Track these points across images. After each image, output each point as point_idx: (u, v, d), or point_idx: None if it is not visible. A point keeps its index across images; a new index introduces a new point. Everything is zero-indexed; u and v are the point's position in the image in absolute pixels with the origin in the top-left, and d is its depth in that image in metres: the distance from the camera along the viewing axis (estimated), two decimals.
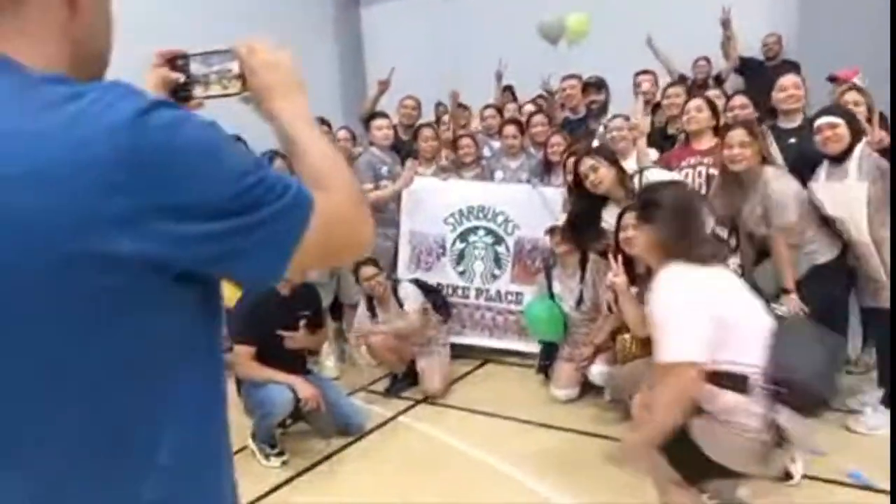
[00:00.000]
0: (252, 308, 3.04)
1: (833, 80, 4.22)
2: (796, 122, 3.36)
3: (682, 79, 6.09)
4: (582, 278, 3.54)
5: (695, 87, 6.14)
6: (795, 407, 1.73)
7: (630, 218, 2.87)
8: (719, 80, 6.13)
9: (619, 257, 2.84)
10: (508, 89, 6.48)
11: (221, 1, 7.58)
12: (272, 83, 0.81)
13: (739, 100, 3.72)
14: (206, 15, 7.35)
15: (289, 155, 0.80)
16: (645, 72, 5.03)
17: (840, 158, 2.89)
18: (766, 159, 2.92)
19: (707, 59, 6.16)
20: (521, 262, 4.23)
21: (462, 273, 4.38)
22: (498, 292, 4.32)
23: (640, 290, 2.90)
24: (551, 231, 3.62)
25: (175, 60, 0.84)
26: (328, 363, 4.20)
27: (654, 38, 5.91)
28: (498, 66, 5.74)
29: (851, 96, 3.31)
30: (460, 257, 4.37)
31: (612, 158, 3.21)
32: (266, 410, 2.89)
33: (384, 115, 4.37)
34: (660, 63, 5.92)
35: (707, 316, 1.73)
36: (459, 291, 4.40)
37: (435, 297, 3.94)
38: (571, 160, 3.61)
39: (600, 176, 3.12)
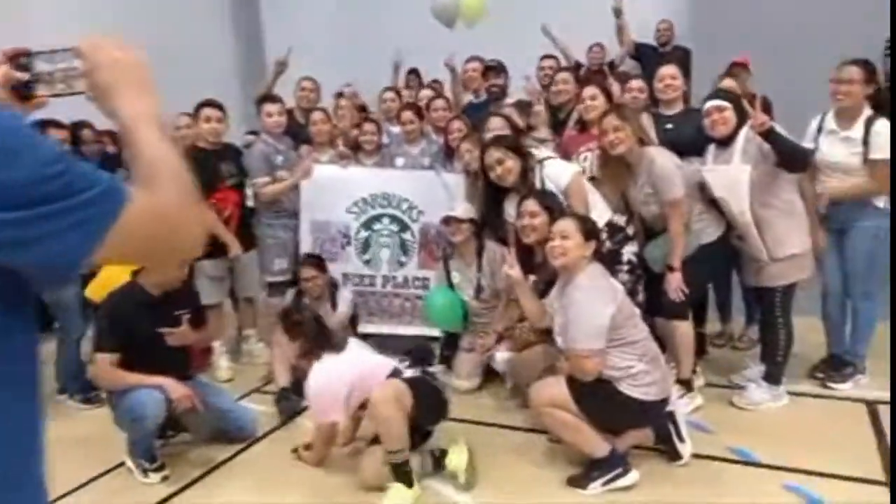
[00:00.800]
0: (116, 313, 2.78)
1: (732, 66, 4.38)
2: (675, 109, 3.45)
3: (577, 65, 6.22)
4: (479, 267, 3.48)
5: (590, 73, 6.30)
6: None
7: (528, 205, 2.84)
8: (613, 67, 6.27)
9: (514, 247, 2.80)
10: (414, 72, 6.35)
11: None
12: (113, 81, 0.82)
13: (637, 83, 3.76)
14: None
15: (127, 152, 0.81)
16: (548, 56, 5.01)
17: (726, 142, 2.98)
18: (643, 140, 2.95)
19: (601, 46, 6.28)
20: (428, 247, 4.13)
21: (368, 262, 4.24)
22: (405, 278, 4.22)
23: (538, 280, 2.87)
24: (446, 220, 3.53)
25: (18, 58, 0.84)
26: (222, 363, 3.95)
27: (550, 24, 5.99)
28: (395, 55, 5.59)
29: (727, 82, 3.41)
30: (365, 246, 4.22)
31: (518, 149, 3.12)
32: (136, 415, 2.64)
33: (274, 98, 4.08)
34: (556, 50, 6.00)
35: (344, 380, 2.58)
36: (366, 280, 4.26)
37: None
38: (465, 146, 3.54)
39: (507, 168, 3.03)
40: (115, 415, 2.77)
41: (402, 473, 2.44)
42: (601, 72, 6.33)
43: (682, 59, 6.18)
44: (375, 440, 2.60)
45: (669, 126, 3.37)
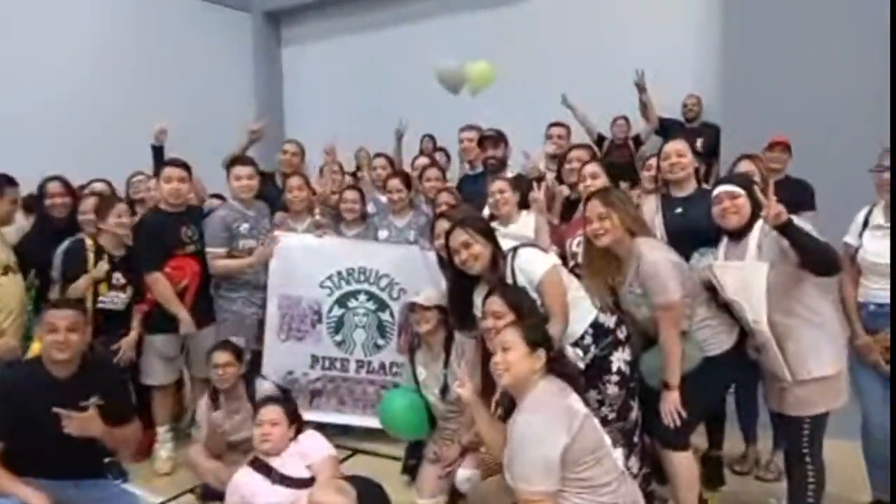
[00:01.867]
0: (5, 392, 2.37)
1: (772, 146, 3.92)
2: (687, 190, 2.96)
3: (600, 138, 5.91)
4: (446, 362, 2.98)
5: (614, 148, 5.94)
6: None
7: (492, 304, 2.39)
8: (638, 142, 5.90)
9: (478, 353, 2.34)
10: (429, 137, 6.11)
11: (137, 36, 7.12)
12: None
13: (654, 162, 3.35)
14: (122, 50, 6.89)
15: None
16: (557, 124, 4.63)
17: (740, 234, 2.49)
18: (632, 231, 2.47)
19: (626, 119, 5.99)
20: (409, 330, 3.68)
21: (340, 343, 3.80)
22: (382, 364, 3.78)
23: (503, 395, 2.36)
24: (412, 307, 3.07)
25: None
26: (161, 453, 3.50)
27: (568, 95, 5.69)
28: (398, 125, 5.42)
29: (745, 165, 2.94)
30: (339, 325, 3.79)
31: (488, 232, 2.66)
32: None
33: (245, 161, 3.75)
34: (577, 122, 5.69)
35: None
36: (337, 364, 3.82)
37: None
38: (440, 223, 3.12)
39: (474, 253, 2.55)
40: None
41: None
42: (626, 146, 5.99)
43: (710, 136, 5.77)
44: None
45: (679, 210, 2.90)
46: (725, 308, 2.52)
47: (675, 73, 5.92)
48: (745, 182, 2.55)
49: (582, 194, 3.08)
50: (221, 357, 3.12)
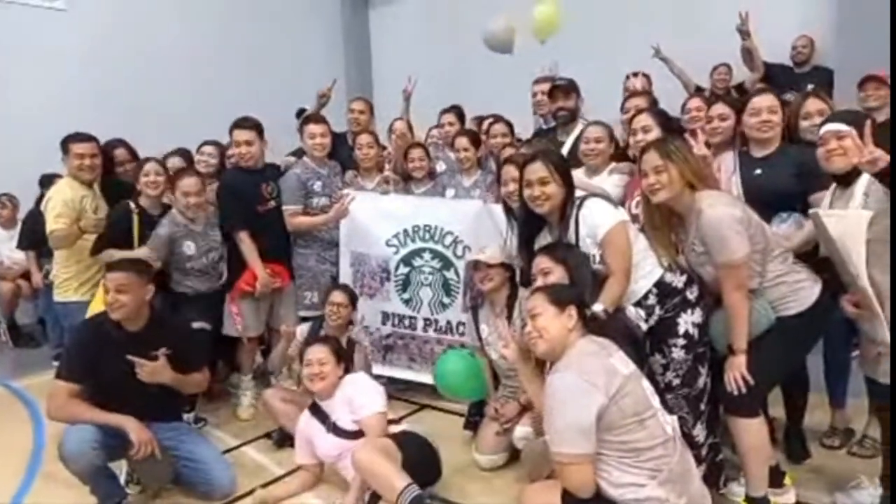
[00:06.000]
0: (84, 342, 2.59)
1: (865, 81, 3.51)
2: (769, 149, 2.66)
3: (699, 90, 5.48)
4: (510, 319, 2.90)
5: (715, 100, 5.47)
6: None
7: (541, 262, 2.30)
8: (742, 91, 5.42)
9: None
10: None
11: (229, 2, 7.38)
12: None
13: (719, 109, 3.01)
14: (212, 15, 7.19)
15: None
16: (636, 74, 4.32)
17: (849, 179, 2.21)
18: (692, 185, 2.25)
19: (728, 66, 5.52)
20: (472, 287, 3.62)
21: (408, 301, 3.83)
22: (448, 323, 3.77)
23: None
24: (475, 265, 3.00)
25: None
26: (244, 401, 3.69)
27: (663, 45, 5.32)
28: (406, 83, 4.94)
29: (814, 105, 2.59)
30: (405, 283, 3.82)
31: (566, 173, 2.46)
32: (61, 453, 2.40)
33: (318, 119, 3.82)
34: (674, 75, 5.31)
35: None
36: (406, 322, 3.86)
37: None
38: (508, 169, 3.00)
39: (547, 192, 2.38)
40: None
41: None
42: (729, 96, 5.54)
43: (823, 82, 5.21)
44: None
45: (757, 171, 2.63)
46: (808, 263, 2.29)
47: (783, 11, 5.38)
48: (855, 119, 2.24)
49: (634, 149, 2.86)
50: (338, 296, 3.28)
